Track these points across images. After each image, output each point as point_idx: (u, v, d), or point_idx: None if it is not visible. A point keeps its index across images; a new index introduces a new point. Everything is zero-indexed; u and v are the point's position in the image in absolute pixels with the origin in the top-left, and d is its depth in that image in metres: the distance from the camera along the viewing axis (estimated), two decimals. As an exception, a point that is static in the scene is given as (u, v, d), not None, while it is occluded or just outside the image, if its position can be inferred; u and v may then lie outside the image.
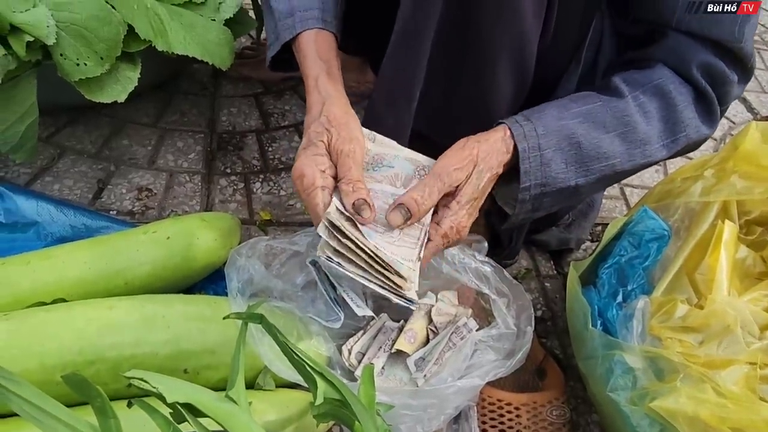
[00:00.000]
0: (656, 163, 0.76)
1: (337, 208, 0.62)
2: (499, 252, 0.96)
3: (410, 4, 0.68)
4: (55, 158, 1.07)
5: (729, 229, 0.71)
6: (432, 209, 0.66)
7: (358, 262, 0.61)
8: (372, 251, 0.60)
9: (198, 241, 0.82)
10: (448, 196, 0.66)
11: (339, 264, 0.61)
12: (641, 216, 0.78)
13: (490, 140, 0.68)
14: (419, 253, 0.64)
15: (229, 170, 1.11)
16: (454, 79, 0.74)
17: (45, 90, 0.90)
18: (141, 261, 0.78)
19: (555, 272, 1.03)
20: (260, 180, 1.10)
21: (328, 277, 0.77)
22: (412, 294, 0.62)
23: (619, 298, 0.74)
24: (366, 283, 0.62)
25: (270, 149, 1.16)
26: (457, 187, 0.66)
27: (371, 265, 0.61)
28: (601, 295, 0.75)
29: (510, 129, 0.68)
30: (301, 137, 1.19)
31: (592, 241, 1.08)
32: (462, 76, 0.73)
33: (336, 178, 0.66)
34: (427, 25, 0.68)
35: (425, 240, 0.65)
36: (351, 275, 0.61)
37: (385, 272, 0.61)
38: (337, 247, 0.61)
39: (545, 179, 0.69)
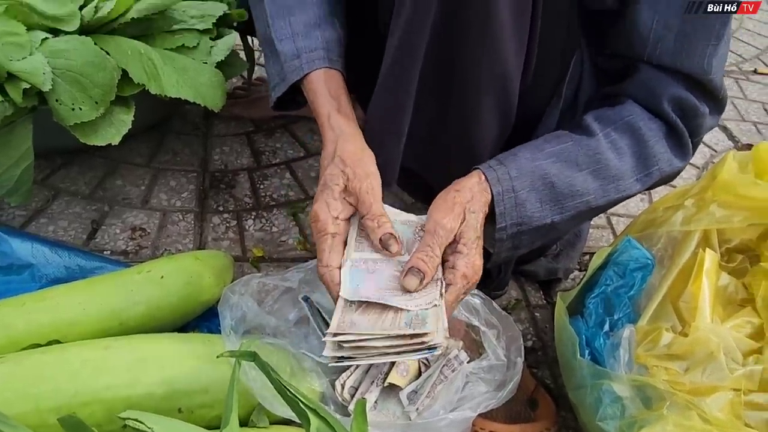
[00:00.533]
0: (633, 195, 0.78)
1: (338, 321, 0.62)
2: (489, 284, 0.97)
3: (396, 44, 0.70)
4: (49, 200, 1.09)
5: (710, 258, 0.73)
6: (439, 264, 0.67)
7: (371, 351, 0.62)
8: (383, 334, 0.61)
9: (192, 280, 0.83)
10: (453, 244, 0.67)
11: (352, 363, 0.62)
12: (625, 246, 0.80)
13: (467, 186, 0.70)
14: (440, 290, 0.65)
15: (221, 208, 1.12)
16: (440, 117, 0.76)
17: (40, 134, 0.92)
18: (135, 301, 0.79)
19: (544, 302, 1.04)
20: (252, 217, 1.11)
21: (320, 312, 0.78)
22: (438, 338, 0.61)
23: (606, 328, 0.75)
24: (386, 359, 0.63)
25: (262, 186, 1.18)
26: (455, 235, 0.67)
27: (387, 344, 0.61)
28: (589, 325, 0.76)
29: (484, 173, 0.70)
30: (291, 174, 1.22)
31: (580, 270, 1.10)
32: (448, 115, 0.76)
33: (349, 220, 0.69)
34: (412, 65, 0.70)
35: (443, 285, 0.66)
36: (368, 362, 0.63)
37: (404, 335, 0.61)
38: (346, 354, 0.61)
39: (521, 218, 0.71)
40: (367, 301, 0.63)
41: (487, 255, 0.79)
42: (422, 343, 0.62)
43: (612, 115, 0.77)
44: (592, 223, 1.15)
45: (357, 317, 0.63)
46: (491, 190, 0.70)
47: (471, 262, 0.66)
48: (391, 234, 0.66)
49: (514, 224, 0.71)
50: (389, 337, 0.61)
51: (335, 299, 0.65)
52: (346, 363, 0.63)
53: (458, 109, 0.75)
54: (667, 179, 0.81)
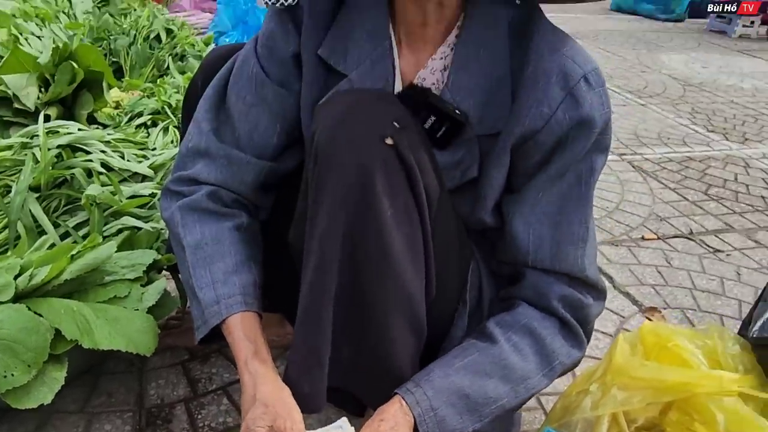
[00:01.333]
0: (542, 389, 0.86)
1: None
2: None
3: (307, 288, 0.79)
4: (-24, 466, 1.06)
5: (619, 442, 0.79)
6: None
7: None
8: None
9: None
10: None
11: None
12: (547, 437, 0.86)
13: (390, 413, 0.76)
14: None
15: (159, 446, 1.12)
16: (358, 342, 0.83)
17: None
18: None
19: (490, 498, 1.05)
20: (191, 452, 1.11)
21: None
22: None
23: None
24: None
25: (199, 416, 1.19)
26: None
27: None
28: None
29: (404, 399, 0.77)
30: (229, 399, 1.23)
31: (519, 457, 1.13)
32: (364, 339, 0.83)
33: None
34: (325, 306, 0.78)
35: None
36: None
37: None
38: None
39: None
40: None
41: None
42: None
43: (510, 320, 0.87)
44: (524, 406, 1.20)
45: None
46: (413, 413, 0.76)
47: None
48: None
49: None
50: None
51: None
52: None
53: (373, 334, 0.82)
54: (569, 369, 0.89)
